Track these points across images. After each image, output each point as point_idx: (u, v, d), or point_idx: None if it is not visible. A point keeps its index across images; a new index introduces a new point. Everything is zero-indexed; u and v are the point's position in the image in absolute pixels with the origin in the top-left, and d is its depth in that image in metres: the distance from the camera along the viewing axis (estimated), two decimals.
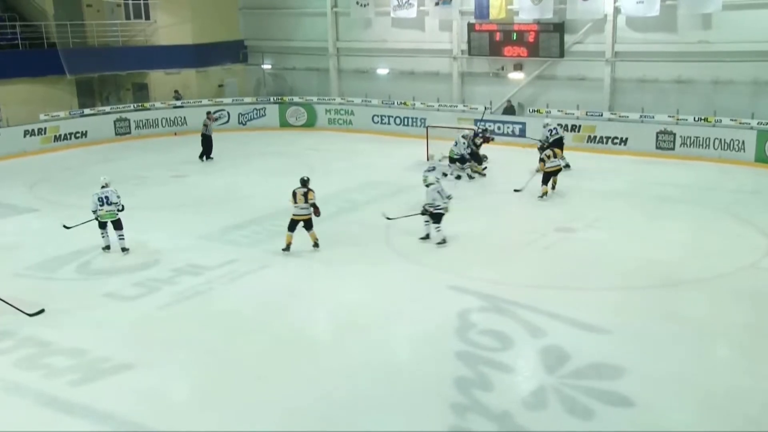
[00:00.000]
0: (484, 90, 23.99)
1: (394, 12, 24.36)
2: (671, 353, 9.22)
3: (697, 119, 20.11)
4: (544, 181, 16.28)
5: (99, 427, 7.89)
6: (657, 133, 20.46)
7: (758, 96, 19.76)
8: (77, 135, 23.78)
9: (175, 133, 25.29)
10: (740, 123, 19.45)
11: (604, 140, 21.34)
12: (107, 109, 25.24)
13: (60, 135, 23.36)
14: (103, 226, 13.16)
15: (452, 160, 18.15)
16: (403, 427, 7.76)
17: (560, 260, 12.63)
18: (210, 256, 12.94)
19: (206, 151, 21.24)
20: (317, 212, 12.96)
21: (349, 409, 8.13)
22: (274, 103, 26.56)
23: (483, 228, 14.50)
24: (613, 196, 16.53)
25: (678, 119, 20.42)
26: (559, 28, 22.19)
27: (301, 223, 12.91)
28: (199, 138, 21.34)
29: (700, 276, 11.82)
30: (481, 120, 22.11)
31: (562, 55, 22.40)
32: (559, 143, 18.21)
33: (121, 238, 13.24)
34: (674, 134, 20.24)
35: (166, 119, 25.63)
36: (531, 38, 22.62)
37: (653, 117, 20.80)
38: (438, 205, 13.18)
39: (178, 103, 25.94)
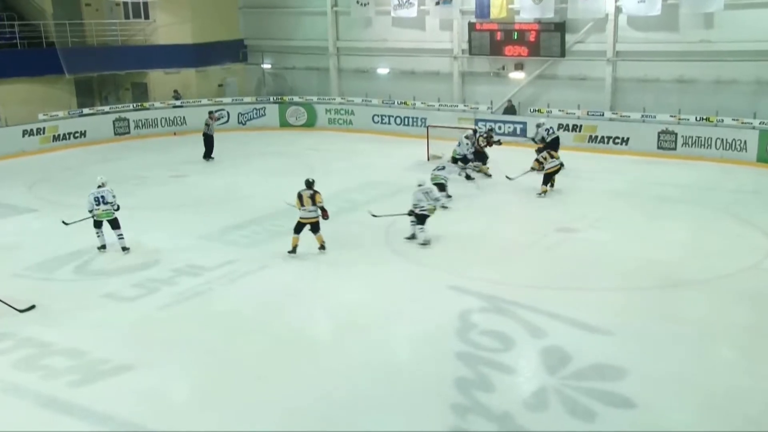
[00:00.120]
0: (484, 89, 23.96)
1: (395, 11, 24.32)
2: (671, 353, 9.21)
3: (698, 119, 20.09)
4: (545, 182, 16.41)
5: (98, 427, 7.86)
6: (658, 133, 20.43)
7: (760, 96, 19.72)
8: (76, 135, 23.74)
9: (175, 133, 25.25)
10: (742, 123, 19.43)
11: (606, 140, 21.30)
12: (106, 108, 25.19)
13: (59, 135, 23.32)
14: (98, 225, 13.14)
15: (454, 161, 18.10)
16: (403, 428, 7.74)
17: (561, 260, 12.60)
18: (210, 257, 12.91)
19: (208, 151, 21.22)
20: (325, 215, 12.69)
21: (349, 409, 8.11)
22: (274, 102, 26.53)
23: (483, 228, 14.49)
24: (614, 197, 16.51)
25: (679, 119, 20.40)
26: (560, 27, 22.17)
27: (308, 226, 12.74)
28: (200, 138, 21.31)
29: (701, 276, 11.79)
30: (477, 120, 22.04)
31: (563, 54, 22.37)
32: (556, 142, 18.22)
33: (120, 237, 13.22)
34: (676, 134, 20.21)
35: (166, 119, 25.58)
36: (532, 38, 22.59)
37: (655, 117, 20.77)
38: (423, 207, 13.18)
39: (178, 102, 25.91)
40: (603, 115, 21.62)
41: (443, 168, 16.10)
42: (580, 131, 21.58)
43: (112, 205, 13.07)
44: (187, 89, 26.72)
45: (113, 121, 24.70)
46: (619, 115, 21.42)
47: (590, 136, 21.48)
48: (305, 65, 27.39)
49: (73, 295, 11.57)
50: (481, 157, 18.47)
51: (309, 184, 12.75)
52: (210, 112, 22.05)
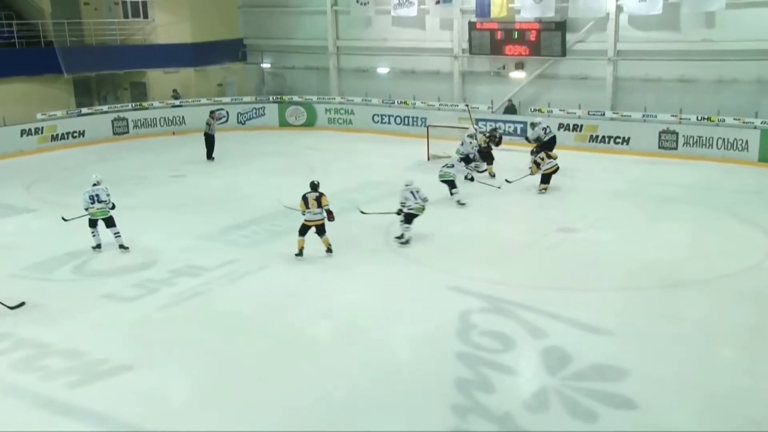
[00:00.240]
0: (485, 89, 23.91)
1: (395, 10, 24.27)
2: (672, 354, 9.18)
3: (700, 118, 20.03)
4: (543, 182, 16.49)
5: (97, 428, 7.83)
6: (660, 133, 20.38)
7: (762, 95, 19.68)
8: (75, 134, 23.67)
9: (174, 133, 25.21)
10: (744, 122, 19.37)
11: (607, 140, 21.26)
12: (105, 108, 25.14)
13: (57, 134, 23.25)
14: (93, 224, 13.09)
15: (460, 160, 17.99)
16: (403, 428, 7.72)
17: (561, 260, 12.57)
18: (209, 257, 12.87)
19: (210, 151, 21.17)
20: (331, 217, 12.55)
21: (349, 409, 8.08)
22: (274, 102, 26.48)
23: (483, 228, 14.45)
24: (615, 196, 16.48)
25: (681, 118, 20.35)
26: (560, 26, 22.13)
27: (313, 228, 12.61)
28: (199, 138, 21.25)
29: (702, 276, 11.76)
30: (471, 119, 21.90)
31: (563, 53, 22.34)
32: (552, 142, 18.20)
33: (117, 235, 13.17)
34: (677, 134, 20.15)
35: (165, 119, 25.51)
36: (532, 37, 22.54)
37: (656, 116, 20.71)
38: (410, 206, 13.17)
39: (177, 102, 25.85)
40: (604, 114, 21.57)
41: (452, 166, 16.12)
42: (580, 131, 21.53)
43: (107, 204, 13.03)
44: (187, 89, 26.68)
45: (112, 121, 24.63)
46: (620, 114, 21.37)
47: (591, 136, 21.44)
48: (305, 65, 27.35)
49: (72, 295, 11.53)
50: (487, 157, 18.39)
51: (314, 186, 12.62)
52: (211, 112, 21.98)
